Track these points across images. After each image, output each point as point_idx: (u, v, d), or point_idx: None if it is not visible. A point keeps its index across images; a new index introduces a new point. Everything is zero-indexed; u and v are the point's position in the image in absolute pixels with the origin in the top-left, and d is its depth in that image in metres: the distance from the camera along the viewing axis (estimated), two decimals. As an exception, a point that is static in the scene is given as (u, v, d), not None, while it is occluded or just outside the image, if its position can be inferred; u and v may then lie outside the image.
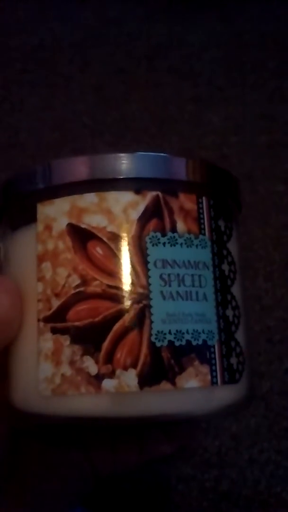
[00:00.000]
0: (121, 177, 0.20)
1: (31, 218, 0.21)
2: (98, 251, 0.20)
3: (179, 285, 0.20)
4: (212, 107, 0.59)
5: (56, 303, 0.20)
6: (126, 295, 0.19)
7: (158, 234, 0.20)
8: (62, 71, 0.62)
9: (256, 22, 0.66)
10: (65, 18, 0.65)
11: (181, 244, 0.20)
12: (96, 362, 0.19)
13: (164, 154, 0.21)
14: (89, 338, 0.19)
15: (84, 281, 0.19)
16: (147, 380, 0.19)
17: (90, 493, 0.29)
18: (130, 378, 0.19)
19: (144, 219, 0.20)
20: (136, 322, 0.19)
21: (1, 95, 0.60)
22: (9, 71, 0.61)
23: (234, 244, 0.23)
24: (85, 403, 0.19)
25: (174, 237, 0.20)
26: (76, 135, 0.57)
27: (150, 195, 0.20)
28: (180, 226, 0.20)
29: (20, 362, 0.21)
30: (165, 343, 0.19)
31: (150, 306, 0.19)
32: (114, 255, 0.19)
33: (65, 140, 0.56)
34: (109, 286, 0.19)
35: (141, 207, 0.20)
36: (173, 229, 0.20)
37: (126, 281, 0.19)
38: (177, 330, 0.19)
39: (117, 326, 0.19)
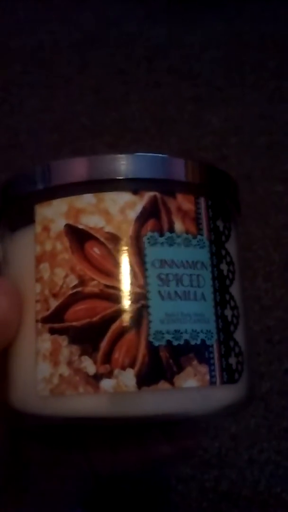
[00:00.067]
0: (119, 177, 0.20)
1: (29, 219, 0.21)
2: (95, 251, 0.20)
3: (177, 285, 0.20)
4: (211, 108, 0.59)
5: (54, 304, 0.20)
6: (124, 295, 0.19)
7: (156, 234, 0.20)
8: (62, 72, 0.62)
9: (255, 22, 0.66)
10: (65, 19, 0.65)
11: (179, 244, 0.20)
12: (94, 362, 0.19)
13: (162, 155, 0.21)
14: (87, 338, 0.19)
15: (82, 281, 0.19)
16: (145, 379, 0.19)
17: (90, 494, 0.29)
18: (128, 378, 0.19)
19: (141, 219, 0.20)
20: (134, 322, 0.19)
21: (0, 96, 0.60)
22: (8, 72, 0.61)
23: (233, 245, 0.23)
24: (83, 403, 0.19)
25: (172, 237, 0.20)
26: (76, 136, 0.57)
27: (147, 195, 0.20)
28: (178, 226, 0.20)
29: (19, 363, 0.21)
30: (163, 342, 0.19)
31: (148, 306, 0.19)
32: (112, 256, 0.20)
33: (65, 141, 0.56)
34: (107, 286, 0.19)
35: (138, 208, 0.20)
36: (171, 229, 0.20)
37: (124, 281, 0.19)
38: (175, 330, 0.19)
39: (115, 326, 0.19)
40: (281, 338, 0.46)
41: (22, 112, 0.59)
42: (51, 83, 0.61)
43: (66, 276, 0.20)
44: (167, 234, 0.20)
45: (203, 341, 0.20)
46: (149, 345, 0.19)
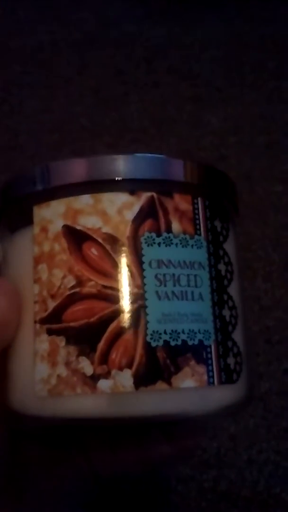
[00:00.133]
0: (116, 178, 0.20)
1: (28, 220, 0.21)
2: (93, 252, 0.20)
3: (174, 285, 0.20)
4: (211, 108, 0.59)
5: (52, 304, 0.20)
6: (122, 295, 0.19)
7: (153, 235, 0.20)
8: (61, 72, 0.62)
9: (255, 23, 0.66)
10: (64, 20, 0.65)
11: (176, 244, 0.20)
12: (92, 362, 0.19)
13: (159, 155, 0.21)
14: (85, 338, 0.19)
15: (80, 282, 0.19)
16: (142, 380, 0.19)
17: (91, 495, 0.29)
18: (126, 378, 0.19)
19: (139, 219, 0.20)
20: (131, 322, 0.19)
21: (0, 97, 0.60)
22: (8, 73, 0.62)
23: (231, 245, 0.23)
24: (81, 403, 0.19)
25: (169, 237, 0.20)
26: (75, 136, 0.57)
27: (145, 196, 0.20)
28: (175, 226, 0.20)
29: (17, 364, 0.21)
30: (161, 343, 0.19)
31: (145, 306, 0.19)
32: (109, 256, 0.20)
33: (64, 141, 0.56)
34: (104, 287, 0.19)
35: (136, 208, 0.20)
36: (168, 230, 0.20)
37: (121, 281, 0.19)
38: (172, 330, 0.19)
39: (112, 327, 0.19)
40: (280, 338, 0.46)
41: (21, 112, 0.59)
42: (51, 84, 0.61)
43: (64, 277, 0.20)
44: (165, 234, 0.20)
45: (200, 341, 0.20)
46: (147, 345, 0.19)
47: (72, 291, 0.20)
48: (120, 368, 0.19)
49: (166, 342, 0.19)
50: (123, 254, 0.20)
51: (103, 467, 0.28)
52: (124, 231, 0.20)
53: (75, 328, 0.19)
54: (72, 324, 0.19)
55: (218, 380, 0.20)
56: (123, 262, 0.20)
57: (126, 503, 0.40)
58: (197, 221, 0.21)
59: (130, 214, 0.20)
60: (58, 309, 0.20)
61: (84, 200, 0.20)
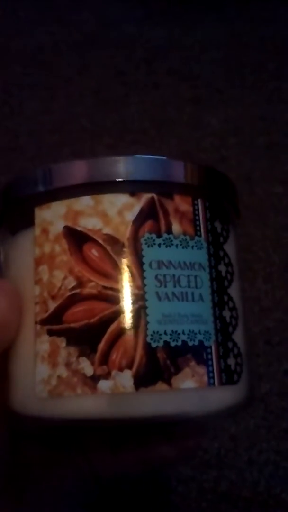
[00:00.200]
0: (116, 179, 0.20)
1: (29, 222, 0.21)
2: (93, 253, 0.20)
3: (174, 286, 0.20)
4: (211, 109, 0.59)
5: (52, 306, 0.20)
6: (122, 296, 0.19)
7: (153, 236, 0.20)
8: (61, 73, 0.62)
9: (255, 24, 0.66)
10: (64, 21, 0.66)
11: (177, 245, 0.20)
12: (92, 363, 0.19)
13: (159, 157, 0.21)
14: (85, 339, 0.19)
15: (80, 283, 0.20)
16: (142, 380, 0.19)
17: (91, 495, 0.29)
18: (126, 379, 0.19)
19: (139, 220, 0.20)
20: (131, 323, 0.19)
21: (0, 98, 0.60)
22: (8, 73, 0.62)
23: (231, 246, 0.23)
24: (81, 404, 0.19)
25: (169, 238, 0.20)
26: (76, 137, 0.57)
27: (145, 197, 0.20)
28: (176, 227, 0.20)
29: (18, 365, 0.21)
30: (161, 343, 0.19)
31: (145, 307, 0.19)
32: (110, 257, 0.20)
33: (65, 143, 0.56)
34: (105, 288, 0.19)
35: (136, 209, 0.20)
36: (169, 231, 0.20)
37: (122, 282, 0.19)
38: (172, 331, 0.19)
39: (112, 327, 0.19)
40: (280, 339, 0.46)
41: (22, 114, 0.59)
42: (51, 85, 0.61)
43: (64, 278, 0.20)
44: (165, 236, 0.20)
45: (201, 342, 0.20)
46: (147, 346, 0.19)
47: (73, 292, 0.20)
48: (120, 369, 0.19)
49: (166, 343, 0.19)
50: (124, 255, 0.20)
51: (103, 467, 0.28)
52: (125, 232, 0.20)
53: (75, 329, 0.19)
54: (72, 325, 0.19)
55: (219, 381, 0.20)
56: (124, 263, 0.20)
57: (126, 504, 0.40)
58: (197, 222, 0.21)
59: (130, 215, 0.20)
60: (58, 310, 0.20)
61: (85, 202, 0.20)
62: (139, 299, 0.19)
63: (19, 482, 0.26)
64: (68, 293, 0.20)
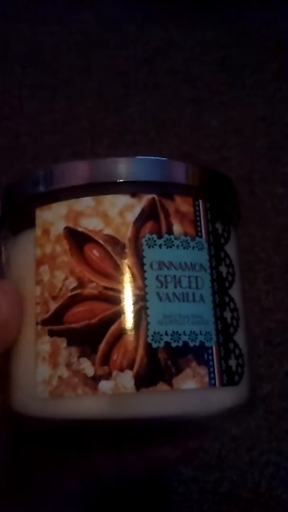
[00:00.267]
0: (117, 180, 0.20)
1: (30, 222, 0.21)
2: (94, 253, 0.20)
3: (175, 287, 0.20)
4: (211, 110, 0.59)
5: (53, 306, 0.20)
6: (123, 296, 0.19)
7: (154, 236, 0.20)
8: (62, 74, 0.62)
9: (255, 24, 0.66)
10: (65, 21, 0.66)
11: (178, 246, 0.20)
12: (93, 363, 0.19)
13: (160, 158, 0.21)
14: (86, 340, 0.19)
15: (81, 284, 0.20)
16: (143, 381, 0.19)
17: (93, 497, 0.29)
18: (127, 379, 0.19)
19: (140, 221, 0.20)
20: (132, 323, 0.19)
21: (1, 98, 0.60)
22: (8, 74, 0.62)
23: (232, 247, 0.23)
24: (82, 404, 0.19)
25: (170, 239, 0.20)
26: (76, 138, 0.57)
27: (146, 198, 0.20)
28: (177, 228, 0.20)
29: (19, 365, 0.21)
30: (162, 344, 0.19)
31: (146, 308, 0.19)
32: (111, 258, 0.20)
33: (65, 143, 0.56)
34: (106, 288, 0.19)
35: (137, 210, 0.20)
36: (169, 231, 0.20)
37: (123, 283, 0.19)
38: (173, 331, 0.19)
39: (113, 328, 0.19)
40: (281, 340, 0.46)
41: (22, 114, 0.59)
42: (52, 85, 0.61)
43: (65, 278, 0.20)
44: (166, 236, 0.20)
45: (202, 342, 0.20)
46: (148, 346, 0.19)
47: (74, 292, 0.20)
48: (121, 369, 0.19)
49: (167, 344, 0.19)
50: (124, 256, 0.20)
51: (104, 468, 0.28)
52: (126, 233, 0.20)
53: (76, 329, 0.19)
54: (73, 325, 0.19)
55: (220, 382, 0.20)
56: (124, 263, 0.20)
57: (128, 504, 0.40)
58: (198, 223, 0.21)
59: (131, 216, 0.20)
60: (59, 311, 0.20)
61: (86, 202, 0.20)
62: (140, 299, 0.19)
63: (20, 483, 0.26)
64: (69, 294, 0.20)
